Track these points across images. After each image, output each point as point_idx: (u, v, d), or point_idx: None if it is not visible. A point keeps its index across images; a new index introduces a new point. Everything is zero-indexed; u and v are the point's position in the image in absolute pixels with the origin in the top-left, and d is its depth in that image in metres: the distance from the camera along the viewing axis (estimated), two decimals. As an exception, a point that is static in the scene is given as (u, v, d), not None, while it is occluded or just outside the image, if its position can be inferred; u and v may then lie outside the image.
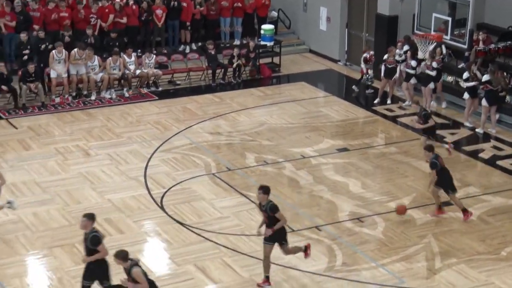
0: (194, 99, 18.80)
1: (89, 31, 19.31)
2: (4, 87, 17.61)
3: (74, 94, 18.63)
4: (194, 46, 21.49)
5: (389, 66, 18.61)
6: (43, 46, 18.75)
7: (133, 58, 19.25)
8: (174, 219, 12.78)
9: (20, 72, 18.12)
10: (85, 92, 18.76)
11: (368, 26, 21.10)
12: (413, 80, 18.43)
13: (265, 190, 10.51)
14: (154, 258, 11.73)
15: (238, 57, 20.17)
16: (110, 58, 18.85)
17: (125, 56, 19.18)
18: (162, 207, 13.24)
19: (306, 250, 11.00)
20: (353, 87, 19.56)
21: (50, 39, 18.94)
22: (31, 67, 17.89)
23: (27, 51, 18.51)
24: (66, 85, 18.43)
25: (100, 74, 18.71)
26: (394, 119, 17.82)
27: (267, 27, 21.21)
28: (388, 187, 14.21)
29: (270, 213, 10.43)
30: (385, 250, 12.07)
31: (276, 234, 10.54)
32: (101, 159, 15.20)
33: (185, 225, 12.61)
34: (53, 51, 18.31)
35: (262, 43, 21.25)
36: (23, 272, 11.21)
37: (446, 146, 15.29)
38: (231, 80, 20.16)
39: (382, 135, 17.00)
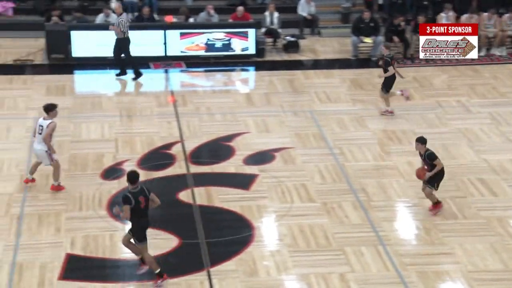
0: None
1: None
2: (395, 38, 18.15)
3: (463, 48, 18.43)
4: None
5: None
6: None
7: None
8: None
9: (413, 23, 18.47)
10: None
11: None
12: None
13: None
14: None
15: None
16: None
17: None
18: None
19: (162, 276, 9.48)
20: None
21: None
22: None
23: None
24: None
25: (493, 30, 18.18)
26: None
27: None
28: None
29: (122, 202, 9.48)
30: None
31: (133, 229, 9.49)
32: (482, 117, 14.85)
33: None
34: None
35: None
36: (393, 217, 11.63)
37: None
38: None
39: None
